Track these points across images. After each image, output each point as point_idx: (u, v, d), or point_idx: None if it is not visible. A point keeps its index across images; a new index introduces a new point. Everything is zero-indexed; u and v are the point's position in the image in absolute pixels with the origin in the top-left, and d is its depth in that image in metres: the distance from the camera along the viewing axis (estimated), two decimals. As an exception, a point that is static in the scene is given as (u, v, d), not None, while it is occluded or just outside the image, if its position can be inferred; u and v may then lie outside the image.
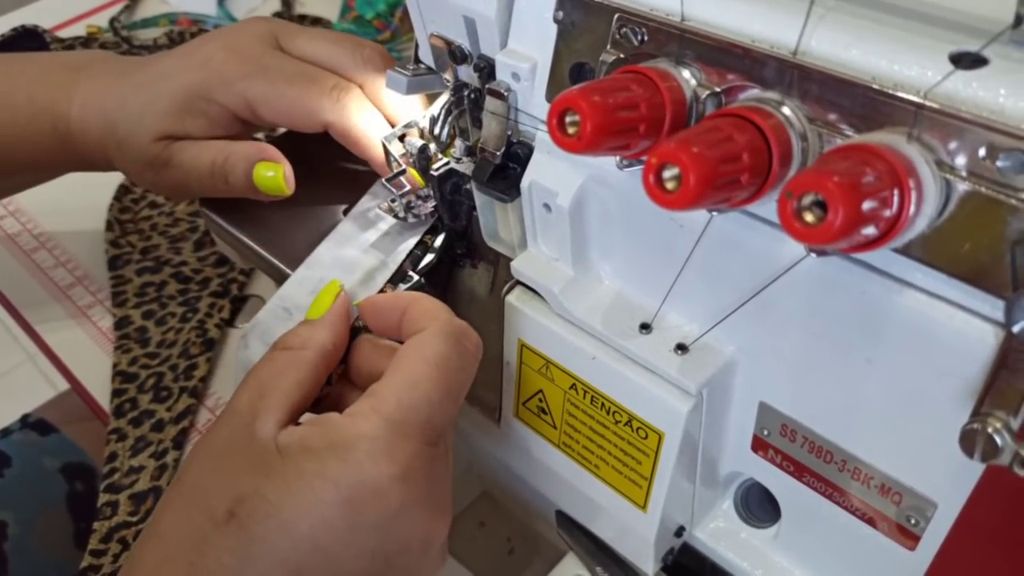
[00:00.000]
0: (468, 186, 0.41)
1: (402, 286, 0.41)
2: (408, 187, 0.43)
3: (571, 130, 0.27)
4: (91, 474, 0.68)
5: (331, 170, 0.51)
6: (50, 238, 0.69)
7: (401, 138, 0.44)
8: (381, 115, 0.47)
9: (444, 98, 0.41)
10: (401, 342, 0.36)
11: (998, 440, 0.25)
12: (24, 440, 0.70)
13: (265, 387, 0.34)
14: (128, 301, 0.62)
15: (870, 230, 0.23)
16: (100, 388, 0.58)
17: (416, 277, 0.42)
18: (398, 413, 0.33)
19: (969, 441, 0.25)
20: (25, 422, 0.72)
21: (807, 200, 0.22)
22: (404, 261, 0.42)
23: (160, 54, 0.52)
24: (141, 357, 0.58)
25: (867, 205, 0.22)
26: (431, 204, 0.44)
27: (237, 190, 0.49)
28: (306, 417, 0.35)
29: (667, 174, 0.24)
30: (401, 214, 0.44)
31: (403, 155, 0.44)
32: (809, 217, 0.22)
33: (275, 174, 0.47)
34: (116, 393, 0.56)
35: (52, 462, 0.68)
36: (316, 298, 0.38)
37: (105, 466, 0.52)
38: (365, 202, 0.46)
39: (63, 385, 0.76)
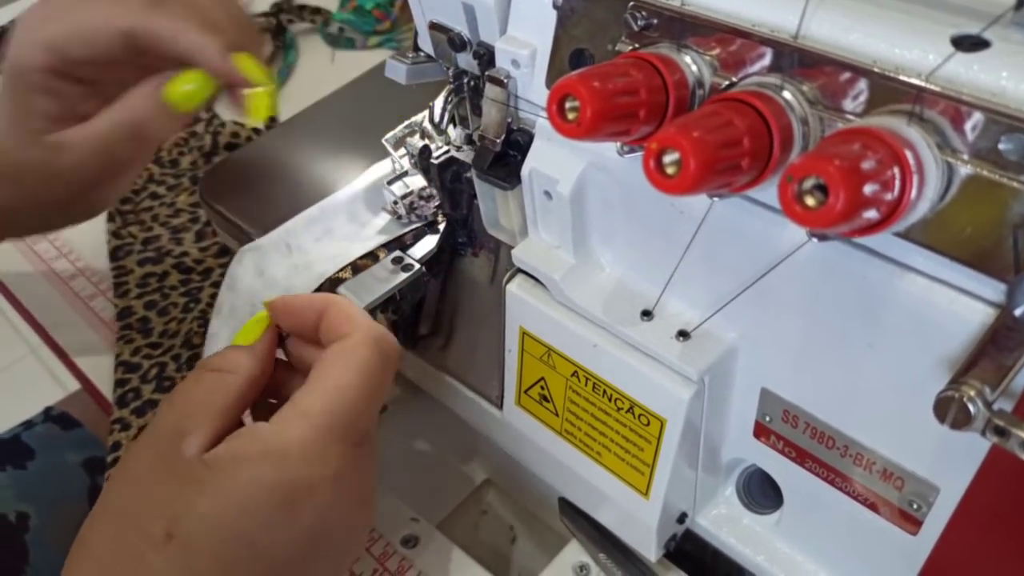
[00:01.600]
0: (468, 174, 0.41)
1: (403, 275, 0.41)
2: (410, 188, 0.43)
3: (571, 116, 0.26)
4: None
5: (333, 153, 0.51)
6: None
7: (401, 141, 0.44)
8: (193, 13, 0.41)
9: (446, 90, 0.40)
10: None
11: (971, 408, 0.24)
12: (47, 433, 0.70)
13: (192, 407, 0.35)
14: (130, 291, 0.62)
15: (871, 214, 0.23)
16: (104, 379, 0.58)
17: (417, 266, 0.42)
18: (326, 419, 0.34)
19: (943, 408, 0.25)
20: (48, 415, 0.72)
21: (808, 184, 0.22)
22: (405, 234, 0.42)
23: None
24: (144, 347, 0.58)
25: (868, 188, 0.22)
26: (434, 204, 0.44)
27: (165, 127, 0.44)
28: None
29: (667, 159, 0.24)
30: (404, 216, 0.44)
31: (405, 156, 0.44)
32: (810, 201, 0.22)
33: (194, 86, 0.42)
34: (119, 383, 0.56)
35: (75, 456, 0.68)
36: (245, 326, 0.38)
37: (109, 455, 0.52)
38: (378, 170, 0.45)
39: (66, 378, 0.76)
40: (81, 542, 0.34)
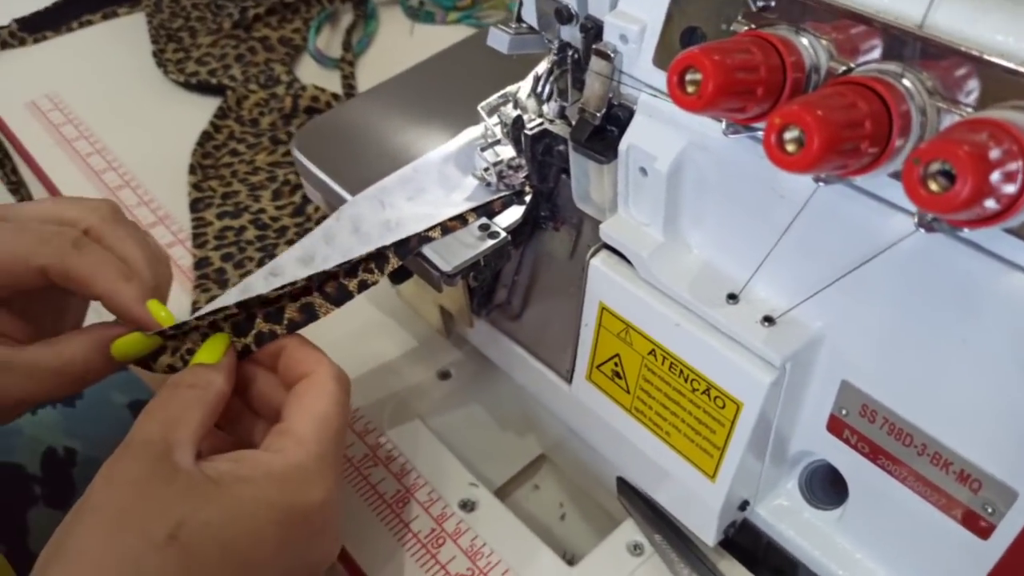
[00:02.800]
0: (560, 147, 0.42)
1: (490, 241, 0.42)
2: (501, 157, 0.44)
3: (690, 89, 0.27)
4: None
5: (420, 121, 0.52)
6: (134, 178, 0.71)
7: (496, 109, 0.45)
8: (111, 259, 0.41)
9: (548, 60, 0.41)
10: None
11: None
12: None
13: (176, 420, 0.37)
14: (208, 243, 0.64)
15: (991, 204, 0.23)
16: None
17: (503, 234, 0.42)
18: (320, 447, 0.38)
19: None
20: None
21: (933, 168, 0.22)
22: (493, 201, 0.43)
23: None
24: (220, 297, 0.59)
25: (993, 178, 0.22)
26: (522, 175, 0.44)
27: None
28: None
29: (788, 136, 0.25)
30: (493, 183, 0.44)
31: (497, 125, 0.44)
32: (933, 186, 0.22)
33: (142, 344, 0.43)
34: (194, 329, 0.58)
35: (120, 398, 0.70)
36: (206, 344, 0.41)
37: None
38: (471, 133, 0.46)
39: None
40: (59, 546, 0.34)
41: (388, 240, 0.41)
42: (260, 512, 0.36)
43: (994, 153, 0.23)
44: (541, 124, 0.42)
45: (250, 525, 0.36)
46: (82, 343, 0.43)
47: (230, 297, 0.43)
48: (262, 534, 0.36)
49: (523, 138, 0.42)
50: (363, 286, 0.42)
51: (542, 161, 0.42)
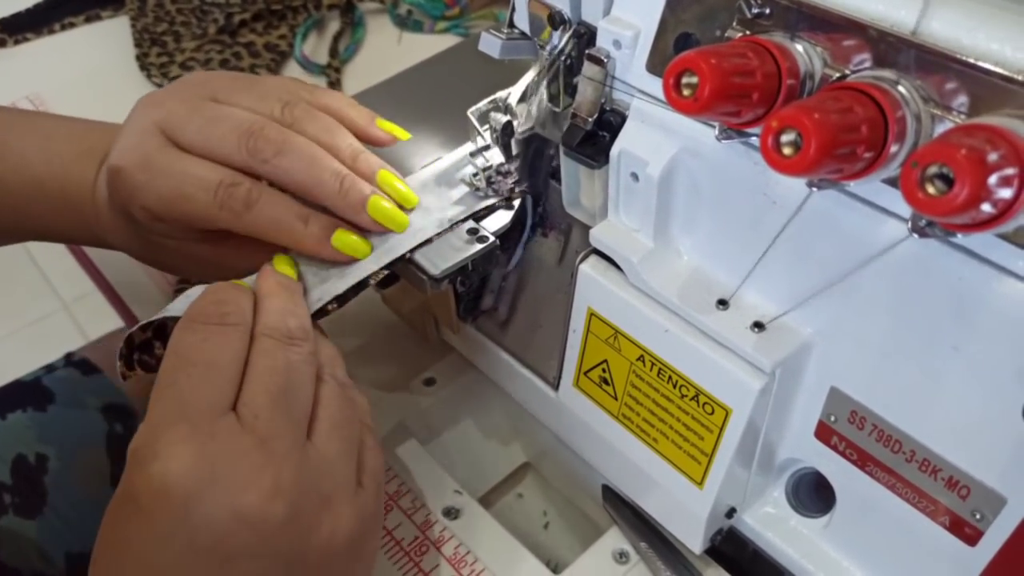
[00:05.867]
0: (550, 152, 0.42)
1: (478, 246, 0.42)
2: (490, 163, 0.44)
3: (686, 92, 0.27)
4: (131, 416, 0.69)
5: (418, 118, 0.52)
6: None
7: (485, 115, 0.45)
8: (284, 200, 0.42)
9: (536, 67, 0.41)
10: None
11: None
12: (67, 378, 0.71)
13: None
14: (189, 247, 0.63)
15: (987, 208, 0.23)
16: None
17: (492, 238, 0.42)
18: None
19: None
20: (69, 361, 0.73)
21: (931, 171, 0.22)
22: (482, 209, 0.43)
23: None
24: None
25: (990, 182, 0.22)
26: (511, 180, 0.44)
27: None
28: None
29: (784, 139, 0.25)
30: (482, 188, 0.44)
31: (487, 130, 0.44)
32: (931, 189, 0.23)
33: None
34: (174, 334, 0.57)
35: (94, 401, 0.69)
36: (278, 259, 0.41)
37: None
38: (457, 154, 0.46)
39: (96, 335, 0.77)
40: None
41: (383, 262, 0.41)
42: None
43: (991, 157, 0.23)
44: (532, 129, 0.42)
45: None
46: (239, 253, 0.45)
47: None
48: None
49: (511, 143, 0.42)
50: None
51: (531, 166, 0.42)
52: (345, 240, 0.41)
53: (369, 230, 0.42)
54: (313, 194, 0.41)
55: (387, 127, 0.45)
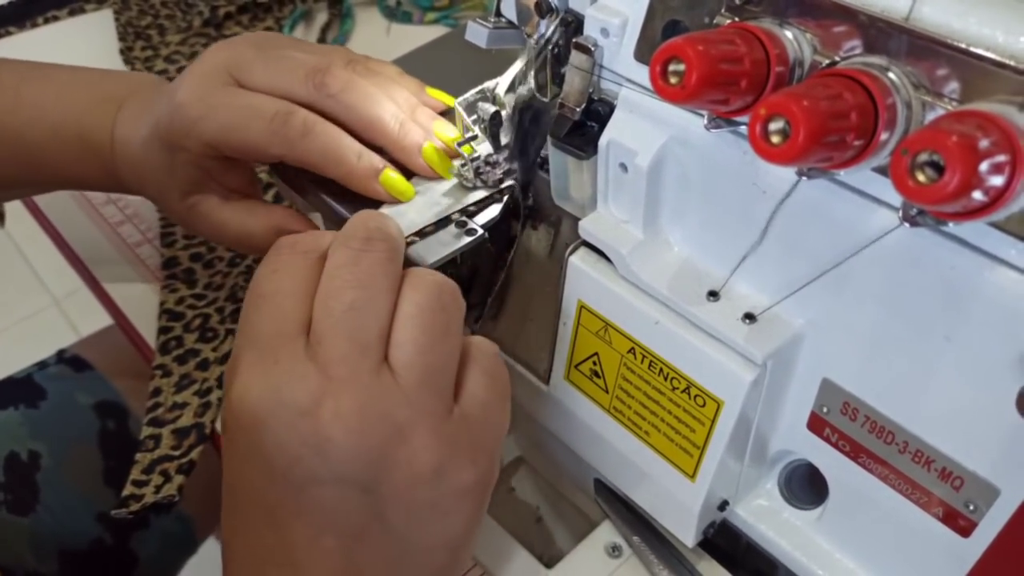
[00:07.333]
0: (539, 139, 0.41)
1: (466, 239, 0.41)
2: (478, 153, 0.43)
3: (673, 79, 0.26)
4: (123, 413, 0.69)
5: None
6: (101, 176, 0.69)
7: (473, 104, 0.44)
8: (339, 135, 0.44)
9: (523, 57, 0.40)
10: None
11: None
12: (59, 374, 0.70)
13: None
14: (176, 242, 0.62)
15: (978, 196, 0.23)
16: (144, 325, 0.58)
17: (480, 231, 0.42)
18: None
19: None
20: (61, 357, 0.72)
21: (921, 159, 0.22)
22: (468, 206, 0.43)
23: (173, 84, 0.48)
24: (188, 297, 0.58)
25: (981, 169, 0.22)
26: (500, 171, 0.44)
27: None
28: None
29: (773, 127, 0.24)
30: (469, 180, 0.44)
31: (474, 120, 0.44)
32: (921, 177, 0.22)
33: None
34: (162, 331, 0.56)
35: (86, 398, 0.69)
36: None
37: (149, 400, 0.53)
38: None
39: (86, 329, 0.77)
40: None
41: None
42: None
43: (982, 144, 0.22)
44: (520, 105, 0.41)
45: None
46: (260, 222, 0.48)
47: None
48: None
49: (500, 134, 0.41)
50: None
51: (527, 132, 0.42)
52: (392, 181, 0.43)
53: (419, 174, 0.44)
54: (372, 132, 0.44)
55: (436, 95, 0.47)
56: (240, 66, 0.45)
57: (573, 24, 0.36)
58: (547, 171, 0.41)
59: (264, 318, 0.34)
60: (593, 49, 0.35)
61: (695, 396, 0.37)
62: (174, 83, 0.47)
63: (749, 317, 0.35)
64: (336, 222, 0.45)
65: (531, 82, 0.40)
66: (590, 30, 0.35)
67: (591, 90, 0.36)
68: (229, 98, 0.44)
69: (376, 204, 0.44)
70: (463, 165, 0.43)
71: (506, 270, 0.46)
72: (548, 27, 0.38)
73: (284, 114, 0.43)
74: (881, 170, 0.28)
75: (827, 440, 0.37)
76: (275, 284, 0.34)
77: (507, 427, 0.37)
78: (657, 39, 0.33)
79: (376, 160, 0.43)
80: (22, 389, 0.68)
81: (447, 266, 0.41)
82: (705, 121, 0.31)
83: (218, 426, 0.51)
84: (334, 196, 0.45)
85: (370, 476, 0.32)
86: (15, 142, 0.51)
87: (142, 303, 0.59)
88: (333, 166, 0.43)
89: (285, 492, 0.32)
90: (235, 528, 0.34)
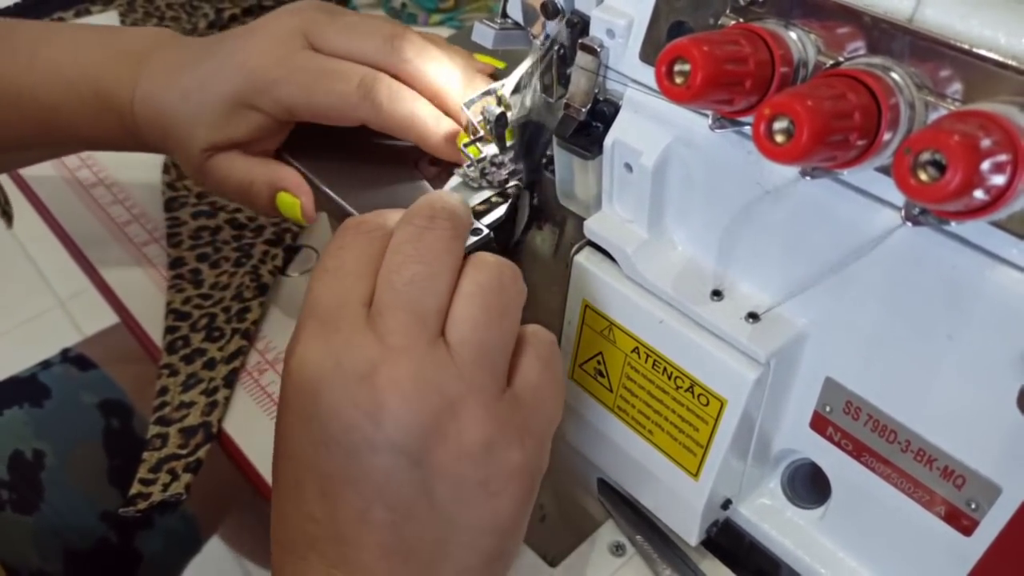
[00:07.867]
0: (545, 139, 0.41)
1: (472, 239, 0.41)
2: (484, 154, 0.44)
3: (679, 80, 0.27)
4: (128, 412, 0.69)
5: None
6: (108, 175, 0.70)
7: (479, 106, 0.44)
8: (420, 99, 0.46)
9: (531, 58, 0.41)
10: None
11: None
12: (64, 374, 0.71)
13: None
14: (183, 243, 0.63)
15: (980, 195, 0.23)
16: (151, 324, 0.58)
17: (486, 231, 0.42)
18: None
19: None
20: (65, 356, 0.73)
21: (924, 158, 0.22)
22: (474, 206, 0.43)
23: (212, 44, 0.50)
24: (194, 297, 0.59)
25: (983, 168, 0.22)
26: (505, 172, 0.44)
27: (264, 211, 0.50)
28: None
29: (776, 126, 0.24)
30: (475, 181, 0.44)
31: (480, 121, 0.44)
32: (923, 176, 0.22)
33: (294, 205, 0.48)
34: (169, 330, 0.57)
35: (90, 397, 0.69)
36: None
37: (156, 399, 0.53)
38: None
39: (92, 331, 0.77)
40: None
41: None
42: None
43: (984, 143, 0.23)
44: (526, 116, 0.41)
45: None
46: (260, 174, 0.49)
47: None
48: None
49: (506, 134, 0.42)
50: None
51: (529, 145, 0.42)
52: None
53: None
54: (443, 98, 0.46)
55: (485, 59, 0.49)
56: (314, 31, 0.47)
57: (579, 25, 0.37)
58: (552, 171, 0.41)
59: (327, 291, 0.34)
60: (599, 50, 0.35)
61: (699, 395, 0.37)
62: (232, 43, 0.48)
63: (753, 316, 0.35)
64: (339, 217, 0.46)
65: (537, 83, 0.40)
66: (596, 31, 0.36)
67: (596, 91, 0.37)
68: (309, 61, 0.46)
69: (384, 199, 0.44)
70: (469, 166, 0.43)
71: None
72: (554, 28, 0.38)
73: (371, 79, 0.45)
74: (884, 170, 0.29)
75: (830, 439, 0.37)
76: (339, 260, 0.35)
77: (559, 416, 0.37)
78: (662, 40, 0.33)
79: (452, 125, 0.45)
80: (27, 388, 0.68)
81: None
82: (710, 121, 0.32)
83: (224, 426, 0.52)
84: (338, 189, 0.47)
85: (420, 446, 0.32)
86: (31, 101, 0.51)
87: (148, 303, 0.59)
88: (417, 132, 0.45)
89: (339, 459, 0.32)
90: (286, 499, 0.34)
